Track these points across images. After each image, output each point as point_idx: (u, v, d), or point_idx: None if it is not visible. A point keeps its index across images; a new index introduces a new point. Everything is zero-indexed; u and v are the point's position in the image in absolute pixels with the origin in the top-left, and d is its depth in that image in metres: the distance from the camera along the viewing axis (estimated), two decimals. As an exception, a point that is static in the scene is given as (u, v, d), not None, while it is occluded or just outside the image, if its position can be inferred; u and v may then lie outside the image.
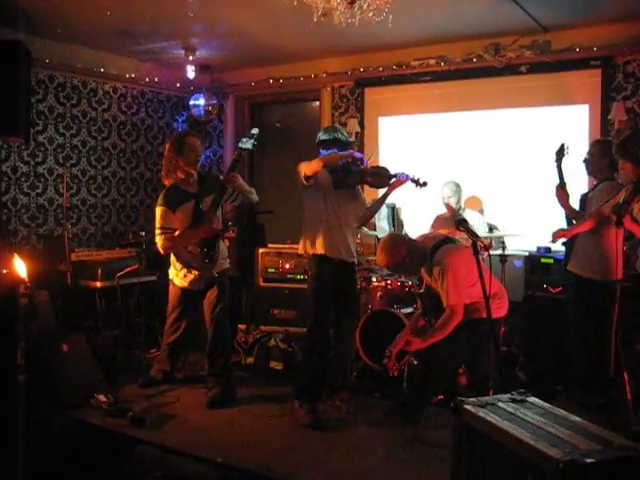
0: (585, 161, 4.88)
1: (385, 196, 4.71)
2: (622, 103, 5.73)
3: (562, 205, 4.85)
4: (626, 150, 3.78)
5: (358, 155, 4.53)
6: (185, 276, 4.83)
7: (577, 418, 2.39)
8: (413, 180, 4.53)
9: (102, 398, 4.59)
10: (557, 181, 4.92)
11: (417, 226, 6.10)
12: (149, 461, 3.65)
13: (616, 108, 5.73)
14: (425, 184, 4.53)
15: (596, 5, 5.19)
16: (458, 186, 5.79)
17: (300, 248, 4.70)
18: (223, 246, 4.97)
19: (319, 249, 4.51)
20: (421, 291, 3.97)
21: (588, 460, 2.01)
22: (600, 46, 5.73)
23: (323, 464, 3.83)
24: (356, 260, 4.83)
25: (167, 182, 4.79)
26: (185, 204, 4.70)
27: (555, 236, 4.79)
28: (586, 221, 4.53)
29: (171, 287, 5.02)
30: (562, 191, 4.82)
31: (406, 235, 4.36)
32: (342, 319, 4.73)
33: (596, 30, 5.72)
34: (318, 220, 4.54)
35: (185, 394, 5.02)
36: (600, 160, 4.76)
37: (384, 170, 4.64)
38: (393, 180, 4.57)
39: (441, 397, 4.54)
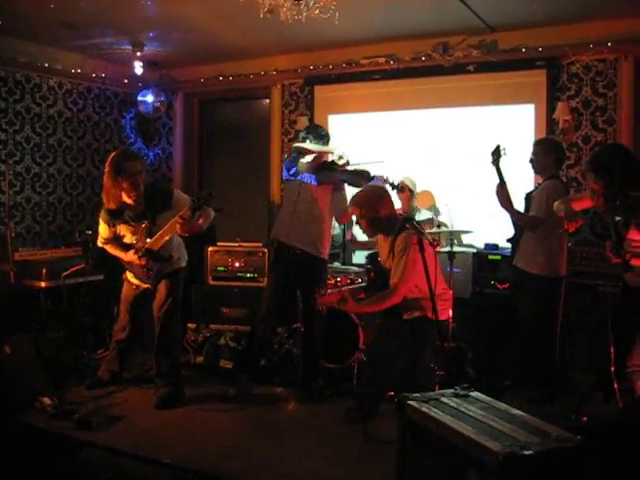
0: (530, 160, 4.97)
1: None
2: (566, 103, 5.86)
3: (501, 203, 4.89)
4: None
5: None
6: (132, 278, 4.82)
7: (518, 412, 2.44)
8: (389, 183, 4.74)
9: (47, 401, 4.46)
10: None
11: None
12: (96, 464, 3.59)
13: (561, 107, 5.85)
14: (399, 186, 4.82)
15: (541, 7, 5.28)
16: (413, 183, 5.88)
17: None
18: (177, 242, 4.83)
19: (280, 236, 4.89)
20: (369, 266, 3.94)
21: (526, 452, 2.05)
22: (545, 47, 5.84)
23: (273, 463, 3.82)
24: (324, 256, 5.02)
25: (112, 206, 4.56)
26: (126, 223, 4.63)
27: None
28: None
29: (125, 284, 4.96)
30: (502, 190, 4.88)
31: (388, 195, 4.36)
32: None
33: (541, 31, 5.83)
34: (287, 209, 4.88)
35: (133, 395, 4.94)
36: (544, 158, 4.86)
37: (365, 172, 4.83)
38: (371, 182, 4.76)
39: (391, 394, 4.57)
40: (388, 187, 4.70)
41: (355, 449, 4.00)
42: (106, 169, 4.48)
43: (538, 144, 5.00)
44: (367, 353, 4.37)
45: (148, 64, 7.00)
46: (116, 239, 4.71)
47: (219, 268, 5.91)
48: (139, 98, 7.43)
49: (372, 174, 4.79)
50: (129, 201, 4.47)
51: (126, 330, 5.00)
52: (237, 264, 5.86)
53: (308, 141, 4.96)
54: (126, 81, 7.49)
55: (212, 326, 5.73)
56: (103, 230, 4.72)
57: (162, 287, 4.74)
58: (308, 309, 4.99)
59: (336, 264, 6.10)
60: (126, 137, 7.84)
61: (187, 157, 7.91)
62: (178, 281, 4.83)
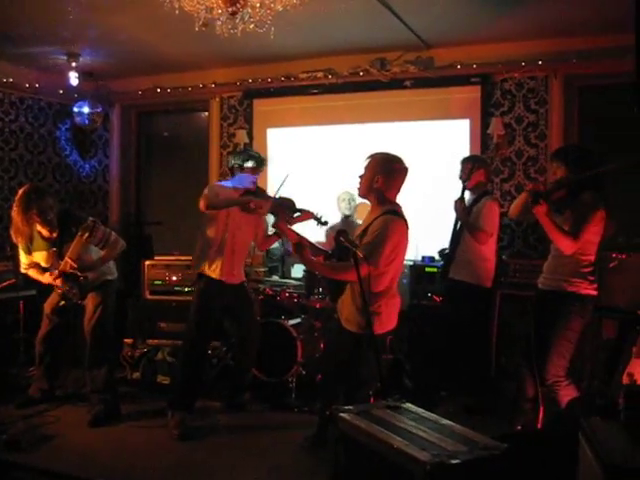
0: (460, 178, 5.08)
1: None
2: (500, 118, 6.01)
3: (460, 217, 4.99)
4: (565, 156, 3.94)
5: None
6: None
7: (448, 422, 2.47)
8: (316, 218, 4.66)
9: (-27, 421, 4.34)
10: (452, 195, 5.08)
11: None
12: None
13: (495, 123, 6.00)
14: (326, 223, 4.71)
15: (475, 26, 5.43)
16: (352, 197, 5.93)
17: (193, 262, 4.76)
18: (98, 256, 4.76)
19: (212, 272, 4.56)
20: (342, 239, 3.61)
21: (454, 461, 2.08)
22: (479, 64, 6.00)
23: (209, 477, 3.80)
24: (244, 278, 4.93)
25: (22, 242, 4.67)
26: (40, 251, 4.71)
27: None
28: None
29: (47, 303, 4.91)
30: (461, 204, 4.98)
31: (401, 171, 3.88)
32: (243, 333, 4.89)
33: (476, 49, 5.98)
34: (216, 242, 4.56)
35: (67, 413, 4.84)
36: (474, 175, 5.00)
37: (291, 203, 4.70)
38: (297, 214, 4.65)
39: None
40: (313, 222, 4.66)
41: (290, 462, 4.00)
42: (15, 207, 4.53)
43: (467, 161, 5.14)
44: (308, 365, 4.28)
45: (84, 75, 6.85)
46: (36, 264, 4.77)
47: (156, 282, 5.84)
48: (75, 109, 7.27)
49: (299, 206, 4.68)
50: (44, 232, 4.60)
51: (46, 341, 4.90)
52: (175, 278, 5.80)
53: (250, 163, 4.72)
54: (61, 92, 7.32)
55: (149, 341, 5.65)
56: (23, 257, 4.77)
57: (90, 301, 4.72)
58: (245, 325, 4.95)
59: (275, 277, 6.09)
60: (61, 149, 7.67)
61: (124, 169, 7.79)
62: (106, 293, 4.80)
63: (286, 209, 4.60)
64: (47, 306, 4.90)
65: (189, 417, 4.56)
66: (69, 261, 4.49)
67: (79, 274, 4.56)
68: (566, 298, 3.83)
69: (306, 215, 4.64)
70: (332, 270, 3.73)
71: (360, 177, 3.78)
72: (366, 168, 3.76)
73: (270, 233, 4.92)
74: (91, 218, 4.43)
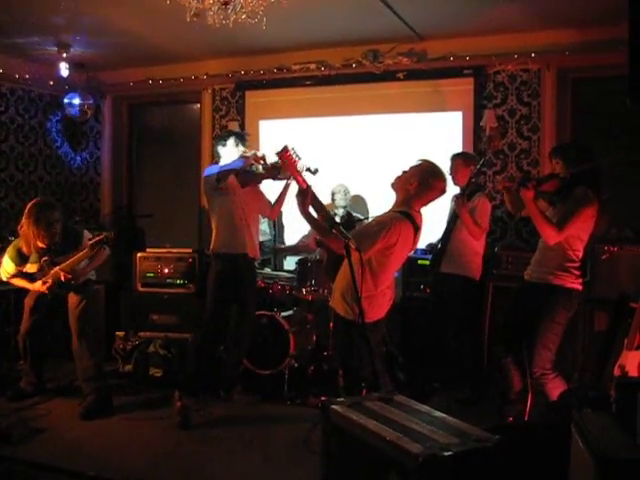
0: (450, 174, 5.09)
1: (286, 188, 5.02)
2: (493, 111, 6.00)
3: (460, 212, 4.93)
4: (562, 152, 4.04)
5: (259, 154, 4.85)
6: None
7: (440, 414, 2.47)
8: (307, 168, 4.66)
9: (-36, 415, 4.33)
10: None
11: (298, 230, 6.21)
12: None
13: (487, 115, 5.99)
14: (317, 171, 4.58)
15: (468, 18, 5.41)
16: (347, 189, 5.92)
17: (212, 247, 4.87)
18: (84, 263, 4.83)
19: (234, 248, 4.75)
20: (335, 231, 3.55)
21: (446, 453, 2.08)
22: (472, 56, 5.98)
23: (201, 469, 3.80)
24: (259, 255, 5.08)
25: (26, 250, 4.77)
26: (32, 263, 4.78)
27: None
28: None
29: (27, 297, 4.95)
30: (463, 200, 4.97)
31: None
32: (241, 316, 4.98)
33: (469, 41, 5.96)
34: (230, 221, 4.75)
35: (58, 406, 4.84)
36: (464, 169, 5.02)
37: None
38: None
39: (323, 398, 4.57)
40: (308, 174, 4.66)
41: (282, 453, 4.01)
42: (25, 219, 4.67)
43: (457, 157, 5.14)
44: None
45: (75, 66, 6.82)
46: (21, 273, 4.83)
47: (148, 274, 5.81)
48: (65, 101, 7.21)
49: None
50: (42, 245, 4.67)
51: (29, 336, 4.92)
52: (166, 270, 5.77)
53: (235, 145, 4.91)
54: (52, 83, 7.27)
55: (141, 333, 5.62)
56: (9, 267, 4.81)
57: (73, 296, 4.79)
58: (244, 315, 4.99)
59: (267, 270, 6.08)
60: (52, 141, 7.62)
61: (116, 161, 7.75)
62: (89, 288, 4.91)
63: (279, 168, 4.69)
64: (28, 301, 4.93)
65: (195, 403, 4.63)
66: (63, 273, 4.58)
67: (72, 283, 4.69)
68: (551, 291, 3.88)
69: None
70: (324, 231, 3.60)
71: (403, 172, 3.76)
72: (411, 168, 3.76)
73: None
74: (105, 233, 4.57)
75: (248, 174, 4.81)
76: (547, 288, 3.90)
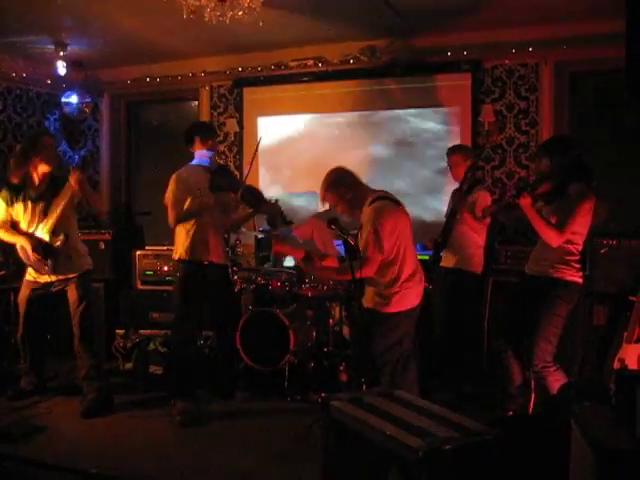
0: (450, 167, 5.10)
1: (252, 215, 5.01)
2: (491, 105, 6.00)
3: (458, 207, 4.93)
4: (545, 149, 4.13)
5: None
6: (29, 274, 4.78)
7: (439, 408, 2.48)
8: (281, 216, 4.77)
9: (-35, 414, 4.33)
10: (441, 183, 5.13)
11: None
12: (17, 478, 3.47)
13: (485, 110, 5.99)
14: (291, 222, 4.81)
15: (465, 13, 5.40)
16: None
17: (177, 251, 4.77)
18: (81, 246, 4.84)
19: (192, 255, 4.64)
20: (333, 227, 3.61)
21: (446, 447, 2.09)
22: (470, 51, 5.97)
23: (203, 466, 3.79)
24: (229, 262, 5.04)
25: (15, 181, 4.67)
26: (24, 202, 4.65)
27: None
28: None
29: (22, 288, 4.88)
30: (461, 194, 4.98)
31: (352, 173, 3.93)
32: (221, 321, 4.96)
33: (466, 35, 5.95)
34: (194, 225, 4.65)
35: (59, 404, 4.84)
36: (463, 164, 5.01)
37: (259, 195, 4.82)
38: (262, 207, 4.76)
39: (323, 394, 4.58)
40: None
41: (282, 450, 4.01)
42: (20, 146, 4.68)
43: (456, 151, 5.14)
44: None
45: (72, 64, 6.79)
46: (13, 225, 4.70)
47: (148, 272, 5.82)
48: (63, 99, 7.21)
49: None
50: (46, 169, 4.59)
51: (26, 336, 4.89)
52: (166, 268, 5.77)
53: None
54: (49, 82, 7.25)
55: (141, 331, 5.63)
56: (1, 211, 4.68)
57: (73, 291, 4.73)
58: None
59: (266, 266, 6.08)
60: (50, 139, 7.60)
61: (114, 159, 7.74)
62: (87, 283, 4.85)
63: (252, 197, 4.67)
64: (20, 300, 4.88)
65: (192, 404, 4.60)
66: (61, 237, 4.56)
67: (55, 248, 4.60)
68: (551, 284, 3.91)
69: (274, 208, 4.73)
70: (343, 274, 3.74)
71: (331, 208, 3.82)
72: (326, 200, 3.82)
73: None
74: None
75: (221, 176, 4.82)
76: (548, 281, 3.93)
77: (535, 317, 3.90)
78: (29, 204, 4.62)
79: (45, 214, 4.59)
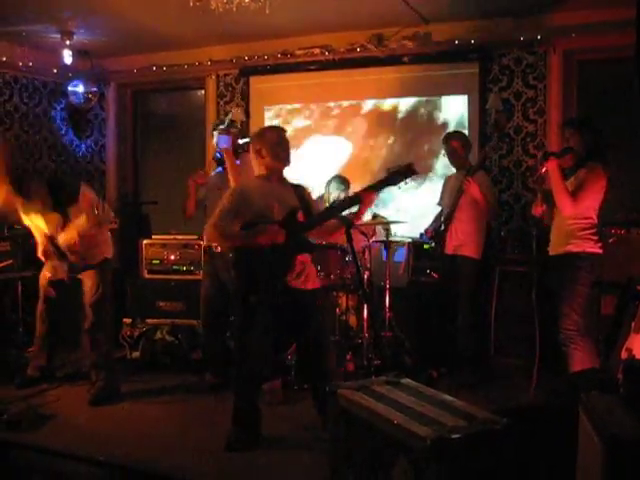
0: (448, 154, 5.13)
1: None
2: (498, 94, 5.95)
3: (472, 192, 4.93)
4: (580, 124, 4.24)
5: None
6: (46, 263, 4.82)
7: (447, 397, 2.48)
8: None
9: (-27, 402, 4.35)
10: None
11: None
12: (26, 466, 3.49)
13: (493, 99, 5.94)
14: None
15: (473, 0, 5.36)
16: (343, 181, 5.81)
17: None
18: (101, 236, 4.81)
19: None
20: None
21: (454, 436, 2.09)
22: (477, 39, 5.92)
23: (211, 454, 3.79)
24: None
25: None
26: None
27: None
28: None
29: (41, 276, 4.91)
30: (468, 180, 4.96)
31: None
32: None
33: (474, 24, 5.90)
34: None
35: (67, 392, 4.86)
36: (462, 151, 5.09)
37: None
38: None
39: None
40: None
41: (290, 438, 4.02)
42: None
43: (453, 138, 5.17)
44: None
45: (78, 53, 6.79)
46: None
47: (154, 261, 5.81)
48: (69, 88, 7.21)
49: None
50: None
51: (45, 322, 4.92)
52: (172, 257, 5.77)
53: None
54: (55, 71, 7.24)
55: (148, 320, 5.64)
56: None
57: (90, 278, 4.73)
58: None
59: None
60: (57, 129, 7.60)
61: (120, 148, 7.74)
62: (106, 271, 4.83)
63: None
64: (42, 278, 4.91)
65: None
66: (75, 237, 4.55)
67: (77, 252, 4.61)
68: (573, 257, 4.07)
69: None
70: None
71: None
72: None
73: None
74: None
75: None
76: (568, 256, 4.08)
77: (561, 291, 4.06)
78: (42, 215, 4.69)
79: (62, 227, 4.65)
